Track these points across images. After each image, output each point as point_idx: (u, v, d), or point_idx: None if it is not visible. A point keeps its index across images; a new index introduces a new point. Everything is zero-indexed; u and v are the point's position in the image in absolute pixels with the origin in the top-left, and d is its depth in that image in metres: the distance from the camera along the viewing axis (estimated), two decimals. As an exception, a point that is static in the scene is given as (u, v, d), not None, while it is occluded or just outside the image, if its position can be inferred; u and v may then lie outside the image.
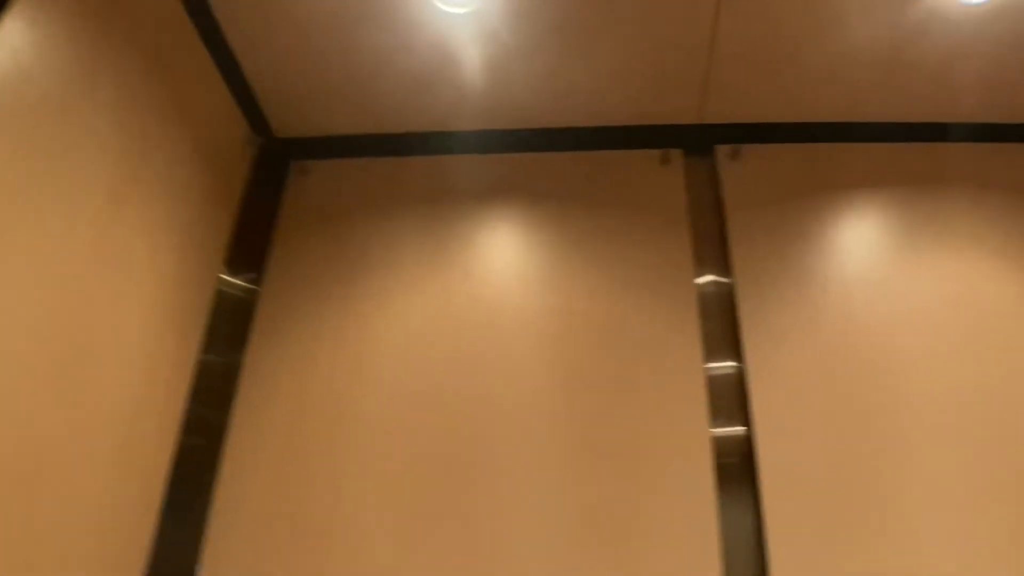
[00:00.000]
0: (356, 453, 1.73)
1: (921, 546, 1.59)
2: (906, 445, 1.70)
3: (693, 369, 1.80)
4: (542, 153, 2.15)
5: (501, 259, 2.00)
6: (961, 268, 1.93)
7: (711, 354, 1.83)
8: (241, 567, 1.61)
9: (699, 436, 1.73)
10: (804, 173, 2.10)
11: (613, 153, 2.15)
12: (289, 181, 2.14)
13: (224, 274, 1.95)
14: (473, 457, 1.72)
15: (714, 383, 1.80)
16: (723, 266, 1.96)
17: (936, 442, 1.70)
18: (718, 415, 1.76)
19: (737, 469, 1.71)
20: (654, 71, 1.98)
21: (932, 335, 1.84)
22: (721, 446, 1.73)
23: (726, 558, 1.60)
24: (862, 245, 1.99)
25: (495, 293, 1.93)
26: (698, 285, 1.93)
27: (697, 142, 2.16)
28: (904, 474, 1.67)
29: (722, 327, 1.88)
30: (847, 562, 1.58)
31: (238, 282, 1.96)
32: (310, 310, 1.92)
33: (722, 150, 2.13)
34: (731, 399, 1.79)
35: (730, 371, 1.82)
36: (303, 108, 2.09)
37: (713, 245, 2.00)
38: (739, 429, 1.75)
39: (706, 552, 1.60)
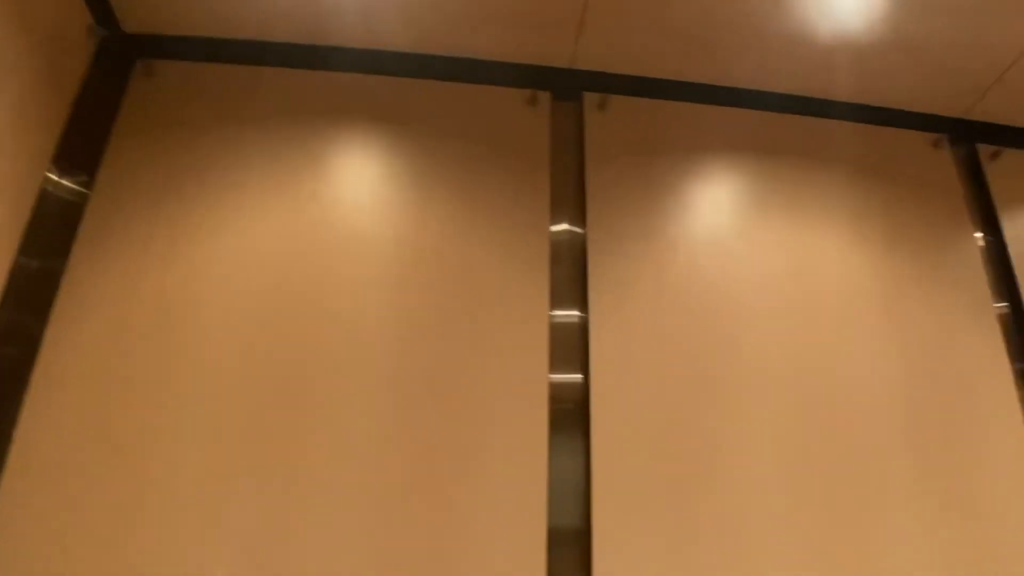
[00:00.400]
0: (181, 374, 1.65)
1: (741, 501, 1.68)
2: (736, 405, 1.78)
3: (538, 315, 1.81)
4: (408, 79, 2.07)
5: (353, 184, 1.93)
6: (807, 240, 2.01)
7: (557, 302, 1.84)
8: (48, 486, 1.51)
9: (537, 381, 1.74)
10: (668, 131, 2.12)
11: (480, 87, 2.10)
12: (132, 80, 1.97)
13: (51, 174, 1.79)
14: (304, 387, 1.67)
15: (557, 330, 1.81)
16: (578, 216, 1.96)
17: (764, 404, 1.79)
18: (558, 362, 1.78)
19: (571, 415, 1.74)
20: (530, 9, 1.94)
21: (771, 301, 1.91)
22: (558, 392, 1.75)
23: (552, 501, 1.63)
24: (715, 208, 2.04)
25: (343, 218, 1.86)
26: (552, 233, 1.92)
27: (566, 87, 2.13)
28: (731, 433, 1.75)
29: (571, 276, 1.88)
30: (667, 512, 1.65)
31: (66, 184, 1.81)
32: (143, 221, 1.79)
33: (590, 98, 2.12)
34: (572, 347, 1.80)
35: (574, 320, 1.83)
36: (154, 2, 1.93)
37: (571, 194, 2.00)
38: (576, 377, 1.77)
39: (533, 494, 1.62)
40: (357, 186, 1.92)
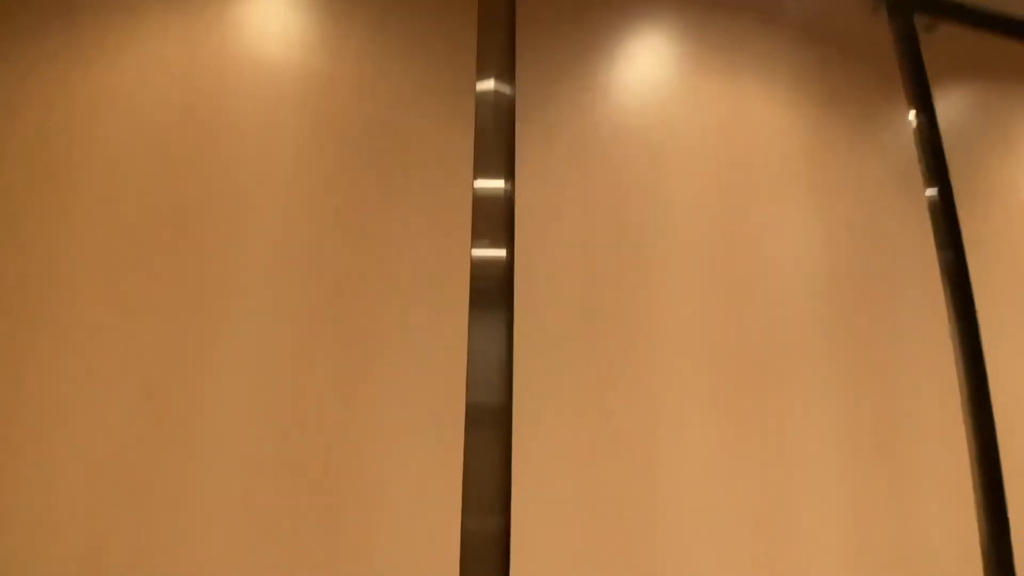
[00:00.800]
0: (71, 213, 1.46)
1: (664, 375, 1.64)
2: (663, 275, 1.72)
3: (461, 183, 1.66)
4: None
5: (263, 9, 1.67)
6: (742, 99, 1.92)
7: (482, 170, 1.70)
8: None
9: (458, 256, 1.62)
10: (605, -23, 1.94)
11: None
12: None
13: None
14: (205, 226, 1.51)
15: (480, 201, 1.68)
16: (507, 73, 1.79)
17: (690, 273, 1.73)
18: (480, 235, 1.66)
19: (494, 293, 1.64)
20: None
21: (703, 161, 1.83)
22: (479, 268, 1.64)
23: (472, 381, 1.57)
24: (650, 62, 1.90)
25: (251, 46, 1.62)
26: (479, 93, 1.75)
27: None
28: (656, 304, 1.69)
29: (497, 142, 1.73)
30: (590, 387, 1.61)
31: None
32: (26, 47, 1.52)
33: (523, -66, 1.90)
34: (496, 220, 1.68)
35: (499, 190, 1.71)
36: None
37: (499, 47, 1.80)
38: (500, 252, 1.67)
39: (452, 374, 1.55)
40: (267, 12, 1.67)
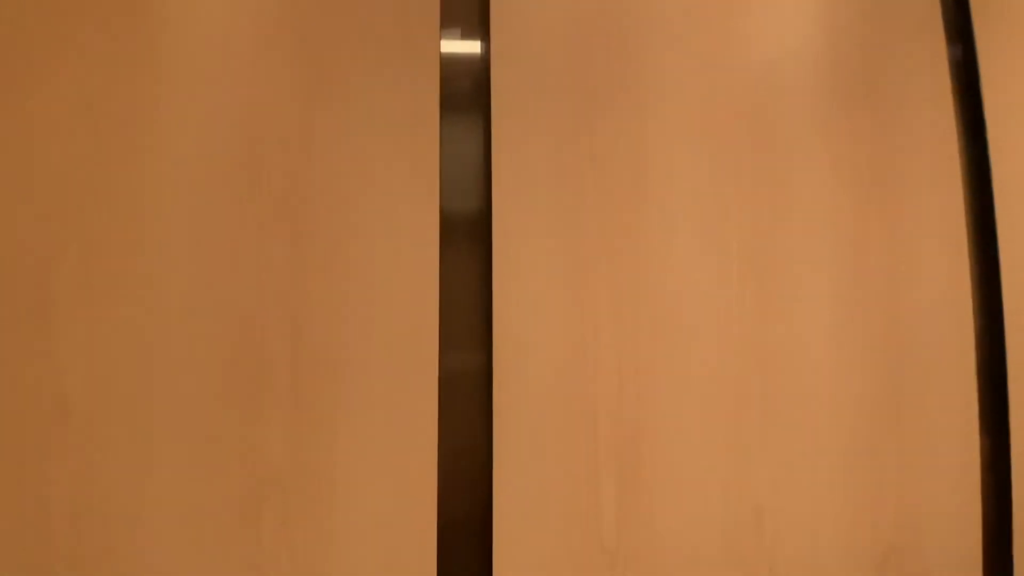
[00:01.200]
0: None
1: (660, 152, 1.51)
2: (660, 40, 1.56)
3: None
4: None
5: None
6: None
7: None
8: None
9: (426, 49, 1.45)
10: None
11: None
12: None
13: None
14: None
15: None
16: None
17: (689, 34, 1.58)
18: (451, 23, 1.50)
19: (468, 93, 1.50)
20: None
21: None
22: (451, 65, 1.49)
23: (447, 187, 1.46)
24: None
25: None
26: None
27: None
28: (644, 86, 1.54)
29: None
30: (570, 192, 1.47)
31: None
32: None
33: None
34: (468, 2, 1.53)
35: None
36: None
37: None
38: (473, 44, 1.51)
39: (423, 182, 1.41)
40: None
